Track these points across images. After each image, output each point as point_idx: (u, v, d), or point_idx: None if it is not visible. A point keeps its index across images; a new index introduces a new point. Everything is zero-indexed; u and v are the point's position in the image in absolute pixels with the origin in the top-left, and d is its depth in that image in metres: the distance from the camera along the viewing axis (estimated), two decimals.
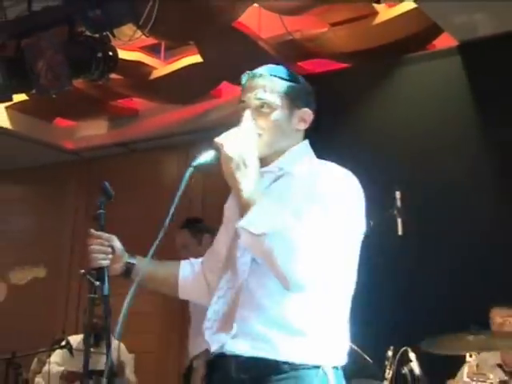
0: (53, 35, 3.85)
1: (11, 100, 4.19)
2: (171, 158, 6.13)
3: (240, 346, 1.80)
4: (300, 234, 1.70)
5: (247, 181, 1.75)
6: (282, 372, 1.75)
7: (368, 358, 3.36)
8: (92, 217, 2.05)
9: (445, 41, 4.56)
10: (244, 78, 1.96)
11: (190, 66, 5.14)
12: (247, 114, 1.91)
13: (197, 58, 5.04)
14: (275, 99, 1.91)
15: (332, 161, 1.92)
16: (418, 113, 4.46)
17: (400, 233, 3.68)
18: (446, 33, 4.42)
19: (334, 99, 4.62)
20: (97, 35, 3.75)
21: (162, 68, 5.31)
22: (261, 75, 1.94)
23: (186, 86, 5.31)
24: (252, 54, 4.71)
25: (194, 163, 1.82)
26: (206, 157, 1.82)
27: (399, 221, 3.67)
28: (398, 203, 3.69)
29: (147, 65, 5.24)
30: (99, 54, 3.74)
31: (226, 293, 1.89)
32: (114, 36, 3.73)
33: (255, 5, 4.51)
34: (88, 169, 6.64)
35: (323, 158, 1.96)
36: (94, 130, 6.51)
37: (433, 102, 4.44)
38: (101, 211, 2.05)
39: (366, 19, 4.61)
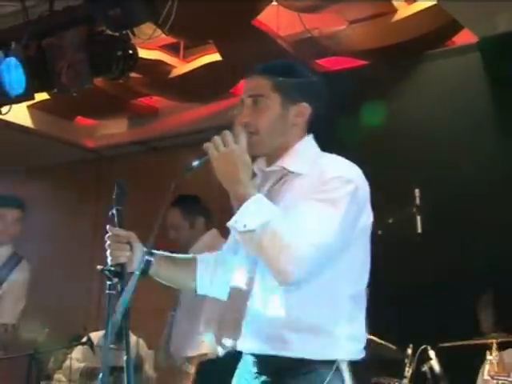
0: (73, 34, 3.89)
1: (33, 99, 4.23)
2: (191, 155, 6.10)
3: (255, 345, 1.85)
4: (293, 229, 1.70)
5: (238, 182, 1.78)
6: (296, 368, 1.78)
7: (391, 345, 3.35)
8: (110, 214, 2.05)
9: (464, 37, 4.54)
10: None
11: (209, 64, 5.15)
12: (238, 116, 1.94)
13: (216, 57, 5.05)
14: (267, 96, 1.92)
15: (351, 159, 1.92)
16: (437, 110, 4.44)
17: (419, 230, 3.67)
18: (465, 29, 4.40)
19: (353, 96, 4.61)
20: (117, 34, 3.78)
21: (181, 67, 5.33)
22: (255, 73, 1.96)
23: (206, 85, 5.33)
24: (271, 52, 4.71)
25: (183, 172, 1.89)
26: (194, 164, 1.90)
27: (418, 218, 3.67)
28: (418, 201, 3.69)
29: (167, 63, 5.26)
30: (119, 53, 3.75)
31: (243, 295, 1.92)
32: (134, 34, 3.75)
33: (274, 3, 4.51)
34: (108, 167, 6.69)
35: (342, 156, 1.94)
36: (114, 129, 6.56)
37: (452, 98, 4.42)
38: (118, 208, 2.03)
39: (384, 16, 4.59)
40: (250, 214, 1.73)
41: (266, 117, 1.91)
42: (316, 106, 1.96)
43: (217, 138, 1.84)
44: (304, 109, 1.94)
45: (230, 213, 1.82)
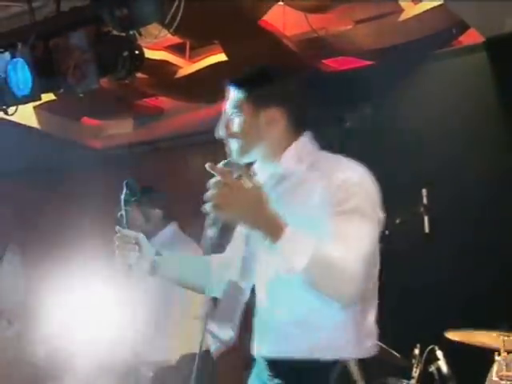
0: (80, 35, 3.89)
1: (40, 100, 4.24)
2: (197, 156, 6.14)
3: (265, 349, 1.89)
4: (337, 252, 1.67)
5: (263, 222, 1.67)
6: (307, 369, 1.79)
7: (395, 353, 3.35)
8: (118, 215, 2.05)
9: (471, 37, 4.53)
10: None
11: (214, 64, 5.15)
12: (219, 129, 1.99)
13: (221, 57, 5.06)
14: (237, 106, 1.96)
15: (358, 158, 1.91)
16: (443, 110, 4.43)
17: (427, 230, 3.66)
18: (472, 29, 4.39)
19: (359, 96, 4.61)
20: (123, 34, 3.78)
21: (187, 67, 5.33)
22: (231, 86, 2.03)
23: (211, 85, 5.30)
24: (277, 52, 4.71)
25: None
26: (213, 237, 1.76)
27: (426, 218, 3.66)
28: (425, 201, 3.68)
29: (172, 64, 5.26)
30: (126, 53, 3.75)
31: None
32: (140, 35, 3.76)
33: (280, 3, 4.51)
34: (114, 167, 6.68)
35: (349, 156, 1.94)
36: (119, 129, 6.56)
37: (459, 98, 4.41)
38: (127, 208, 2.04)
39: (391, 16, 4.59)
40: (292, 255, 1.65)
41: (237, 127, 1.94)
42: (292, 107, 1.96)
43: (210, 194, 1.66)
44: (274, 114, 1.94)
45: (191, 203, 1.74)
